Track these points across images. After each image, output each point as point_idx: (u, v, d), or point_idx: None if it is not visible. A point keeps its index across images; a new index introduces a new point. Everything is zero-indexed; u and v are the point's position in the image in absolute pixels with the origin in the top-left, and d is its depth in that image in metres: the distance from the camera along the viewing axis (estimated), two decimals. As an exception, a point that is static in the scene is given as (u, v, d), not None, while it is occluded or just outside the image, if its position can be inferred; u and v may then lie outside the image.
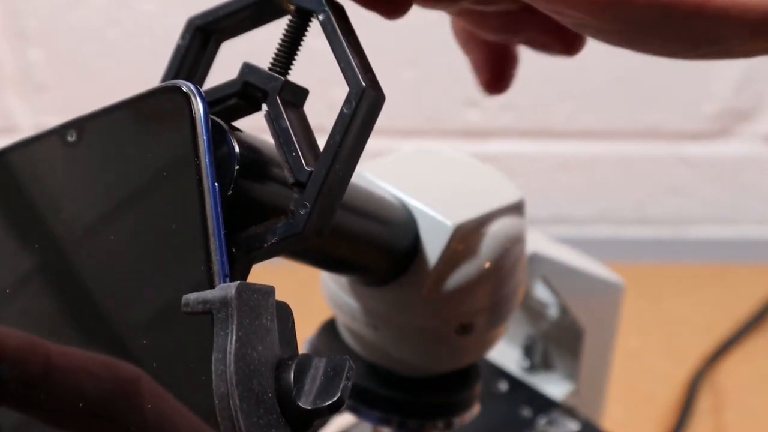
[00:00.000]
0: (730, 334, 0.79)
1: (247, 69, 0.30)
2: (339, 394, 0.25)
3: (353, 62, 0.29)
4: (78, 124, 0.29)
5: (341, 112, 0.28)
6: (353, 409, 0.42)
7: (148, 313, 0.27)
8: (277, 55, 0.31)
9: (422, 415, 0.42)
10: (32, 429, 0.28)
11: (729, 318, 0.81)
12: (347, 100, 0.28)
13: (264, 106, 0.30)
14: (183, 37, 0.32)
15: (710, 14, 0.27)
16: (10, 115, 0.88)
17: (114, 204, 0.28)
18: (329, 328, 0.44)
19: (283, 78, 0.30)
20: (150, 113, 0.28)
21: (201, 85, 0.32)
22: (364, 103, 0.28)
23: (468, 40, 0.39)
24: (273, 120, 0.29)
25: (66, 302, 0.28)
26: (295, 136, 0.29)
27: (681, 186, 0.93)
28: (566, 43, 0.37)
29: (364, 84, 0.28)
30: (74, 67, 0.86)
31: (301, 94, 0.30)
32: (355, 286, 0.40)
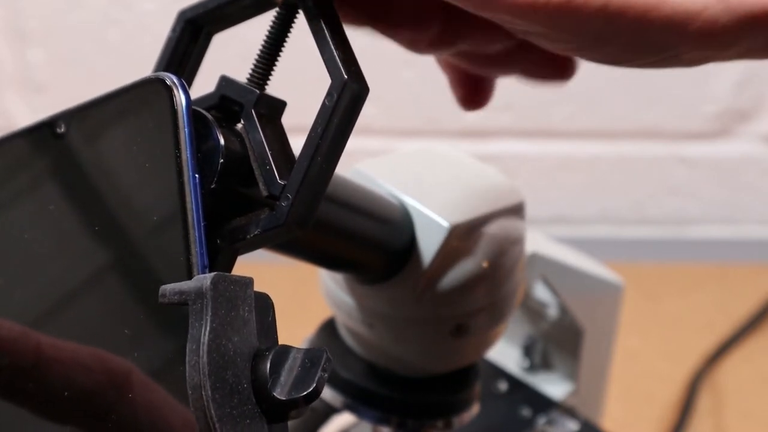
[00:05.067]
0: (730, 334, 0.79)
1: (224, 82, 0.30)
2: (314, 385, 0.25)
3: (336, 54, 0.29)
4: (67, 116, 0.29)
5: (323, 105, 0.28)
6: (353, 409, 0.42)
7: (135, 305, 0.27)
8: (257, 63, 0.30)
9: (422, 415, 0.42)
10: (23, 420, 0.28)
11: (729, 318, 0.81)
12: (329, 93, 0.28)
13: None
14: (173, 29, 0.32)
15: (656, 23, 0.28)
16: (10, 115, 0.88)
17: (101, 195, 0.28)
18: (328, 328, 0.44)
19: (258, 91, 0.30)
20: (134, 105, 0.28)
21: (192, 78, 0.33)
22: (346, 95, 0.28)
23: (445, 61, 0.39)
24: (248, 133, 0.29)
25: (56, 293, 0.29)
26: (270, 149, 0.29)
27: (680, 186, 0.93)
28: (560, 69, 0.37)
29: (346, 76, 0.28)
30: (74, 67, 0.86)
31: (278, 106, 0.30)
32: (352, 283, 0.40)
